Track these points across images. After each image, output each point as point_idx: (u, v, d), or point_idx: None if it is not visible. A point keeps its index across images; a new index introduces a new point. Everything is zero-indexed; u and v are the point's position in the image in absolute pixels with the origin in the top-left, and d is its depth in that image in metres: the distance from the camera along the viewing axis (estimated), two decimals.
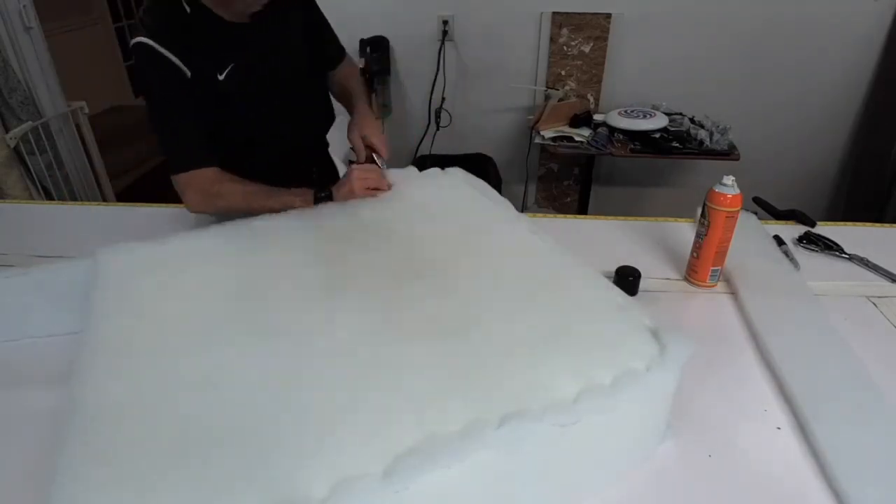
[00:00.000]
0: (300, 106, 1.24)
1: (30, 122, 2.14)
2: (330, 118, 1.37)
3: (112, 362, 0.68)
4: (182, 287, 0.80)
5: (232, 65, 1.08)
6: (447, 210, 0.99)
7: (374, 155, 1.15)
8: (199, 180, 1.07)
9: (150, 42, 1.00)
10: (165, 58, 1.01)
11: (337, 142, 1.62)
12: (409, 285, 0.78)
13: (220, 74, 1.07)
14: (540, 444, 0.58)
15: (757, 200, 1.29)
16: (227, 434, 0.58)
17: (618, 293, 0.77)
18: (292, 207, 1.03)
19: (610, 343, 0.67)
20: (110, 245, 0.88)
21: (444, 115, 2.57)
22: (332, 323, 0.72)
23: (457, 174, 1.10)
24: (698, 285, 1.03)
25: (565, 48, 2.40)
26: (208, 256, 0.87)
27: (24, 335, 0.91)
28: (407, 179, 1.09)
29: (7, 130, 2.11)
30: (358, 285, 0.79)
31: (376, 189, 1.05)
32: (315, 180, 1.35)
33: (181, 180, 1.07)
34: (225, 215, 1.13)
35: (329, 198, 1.05)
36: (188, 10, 1.03)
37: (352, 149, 1.18)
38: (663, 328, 0.69)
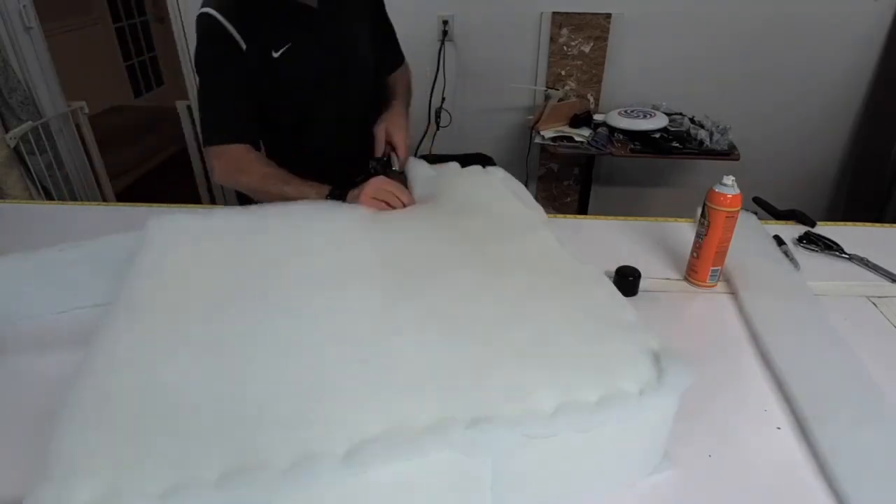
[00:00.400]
0: (356, 101, 1.24)
1: (30, 122, 2.15)
2: None
3: (133, 317, 0.74)
4: (213, 258, 0.86)
5: (289, 45, 1.09)
6: (477, 208, 0.99)
7: (392, 153, 1.15)
8: (228, 154, 1.11)
9: (214, 12, 1.03)
10: (224, 29, 1.04)
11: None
12: (417, 279, 0.80)
13: (276, 52, 1.08)
14: (510, 453, 0.58)
15: (757, 200, 1.29)
16: (215, 398, 0.61)
17: (630, 312, 0.74)
18: (306, 198, 1.05)
19: (604, 361, 0.65)
20: (161, 215, 0.95)
21: (444, 115, 2.57)
22: (334, 309, 0.75)
23: (496, 174, 1.11)
24: (698, 285, 1.03)
25: (565, 48, 2.40)
26: (243, 232, 0.93)
27: (73, 306, 0.95)
28: (445, 176, 1.10)
29: (7, 130, 2.11)
30: (368, 273, 0.82)
31: (387, 203, 1.02)
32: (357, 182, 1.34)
33: (212, 152, 1.12)
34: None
35: (342, 197, 1.05)
36: None
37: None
38: (667, 353, 0.66)
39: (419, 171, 1.13)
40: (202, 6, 1.06)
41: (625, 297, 0.78)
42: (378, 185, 1.03)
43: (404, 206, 1.03)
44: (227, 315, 0.74)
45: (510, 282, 0.79)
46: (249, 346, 0.69)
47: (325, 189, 1.06)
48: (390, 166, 1.13)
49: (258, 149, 1.17)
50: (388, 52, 1.32)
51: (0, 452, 0.70)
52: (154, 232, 0.91)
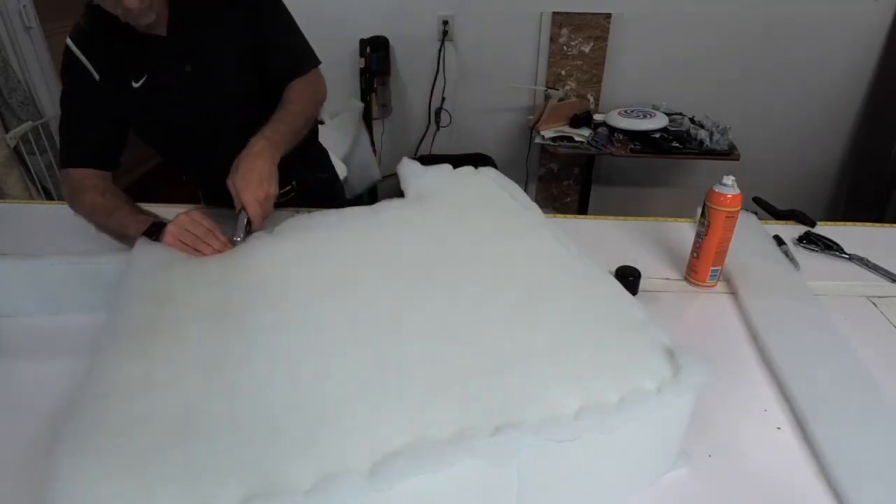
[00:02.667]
0: (225, 125, 1.15)
1: (30, 122, 2.14)
2: None
3: (132, 342, 0.71)
4: (208, 275, 0.84)
5: (146, 74, 1.08)
6: (472, 211, 0.97)
7: (242, 212, 0.94)
8: (69, 179, 1.11)
9: (69, 42, 1.06)
10: (77, 59, 1.05)
11: (334, 142, 1.58)
12: (421, 286, 0.78)
13: (136, 82, 1.08)
14: (534, 458, 0.57)
15: (757, 200, 1.29)
16: (226, 419, 0.59)
17: (639, 309, 0.73)
18: (125, 234, 1.00)
19: (621, 360, 0.65)
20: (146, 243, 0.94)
21: (444, 115, 2.57)
22: (341, 318, 0.73)
23: (489, 174, 1.09)
24: (698, 285, 1.03)
25: (565, 48, 2.40)
26: (238, 247, 0.91)
27: (64, 310, 0.95)
28: (438, 177, 1.08)
29: (7, 130, 2.11)
30: (370, 282, 0.80)
31: (193, 247, 0.91)
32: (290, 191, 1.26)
33: (63, 175, 1.12)
34: None
35: (158, 234, 0.95)
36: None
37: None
38: (681, 350, 0.65)
39: (411, 171, 1.11)
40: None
41: (632, 295, 0.78)
42: (181, 224, 0.93)
43: (214, 251, 0.91)
44: (232, 331, 0.72)
45: (517, 284, 0.78)
46: (257, 362, 0.66)
47: (146, 225, 0.97)
48: (239, 232, 0.94)
49: (112, 172, 1.14)
50: (284, 60, 1.16)
51: None
52: (144, 252, 0.90)
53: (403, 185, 1.10)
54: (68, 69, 1.07)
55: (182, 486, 0.52)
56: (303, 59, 1.19)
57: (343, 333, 0.70)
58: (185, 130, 1.17)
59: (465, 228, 0.92)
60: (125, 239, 1.01)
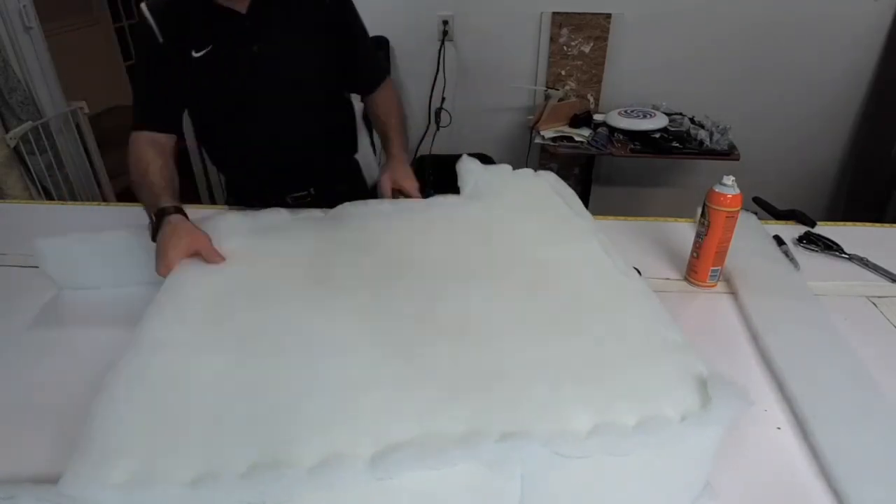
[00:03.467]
0: (286, 117, 1.19)
1: (30, 122, 2.14)
2: (345, 138, 1.35)
3: (179, 306, 0.77)
4: (260, 254, 0.88)
5: (210, 46, 1.09)
6: (523, 214, 0.97)
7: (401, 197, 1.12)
8: (132, 141, 1.11)
9: (143, 4, 1.08)
10: (147, 21, 1.07)
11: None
12: (456, 285, 0.79)
13: (197, 52, 1.09)
14: (542, 472, 0.56)
15: (757, 200, 1.29)
16: (250, 389, 0.63)
17: (677, 333, 0.71)
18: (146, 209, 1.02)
19: (645, 383, 0.62)
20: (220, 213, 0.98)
21: (444, 115, 2.57)
22: (372, 308, 0.75)
23: (548, 178, 1.08)
24: (698, 285, 1.03)
25: (565, 48, 2.40)
26: (290, 232, 0.94)
27: (130, 282, 0.99)
28: (495, 177, 1.08)
29: (7, 130, 2.11)
30: (407, 276, 0.82)
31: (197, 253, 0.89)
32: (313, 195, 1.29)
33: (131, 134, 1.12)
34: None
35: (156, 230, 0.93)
36: None
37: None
38: (715, 380, 0.62)
39: (468, 169, 1.10)
40: None
41: (670, 316, 0.74)
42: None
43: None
44: (271, 308, 0.76)
45: (554, 293, 0.77)
46: (288, 341, 0.70)
47: (151, 215, 0.96)
48: None
49: (177, 135, 1.15)
50: (364, 69, 1.26)
51: (44, 428, 0.73)
52: (205, 228, 0.92)
53: (460, 182, 1.10)
54: (137, 32, 1.10)
55: (201, 447, 0.56)
56: (383, 69, 1.31)
57: (372, 323, 0.72)
58: (234, 111, 1.17)
59: (512, 231, 0.92)
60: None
